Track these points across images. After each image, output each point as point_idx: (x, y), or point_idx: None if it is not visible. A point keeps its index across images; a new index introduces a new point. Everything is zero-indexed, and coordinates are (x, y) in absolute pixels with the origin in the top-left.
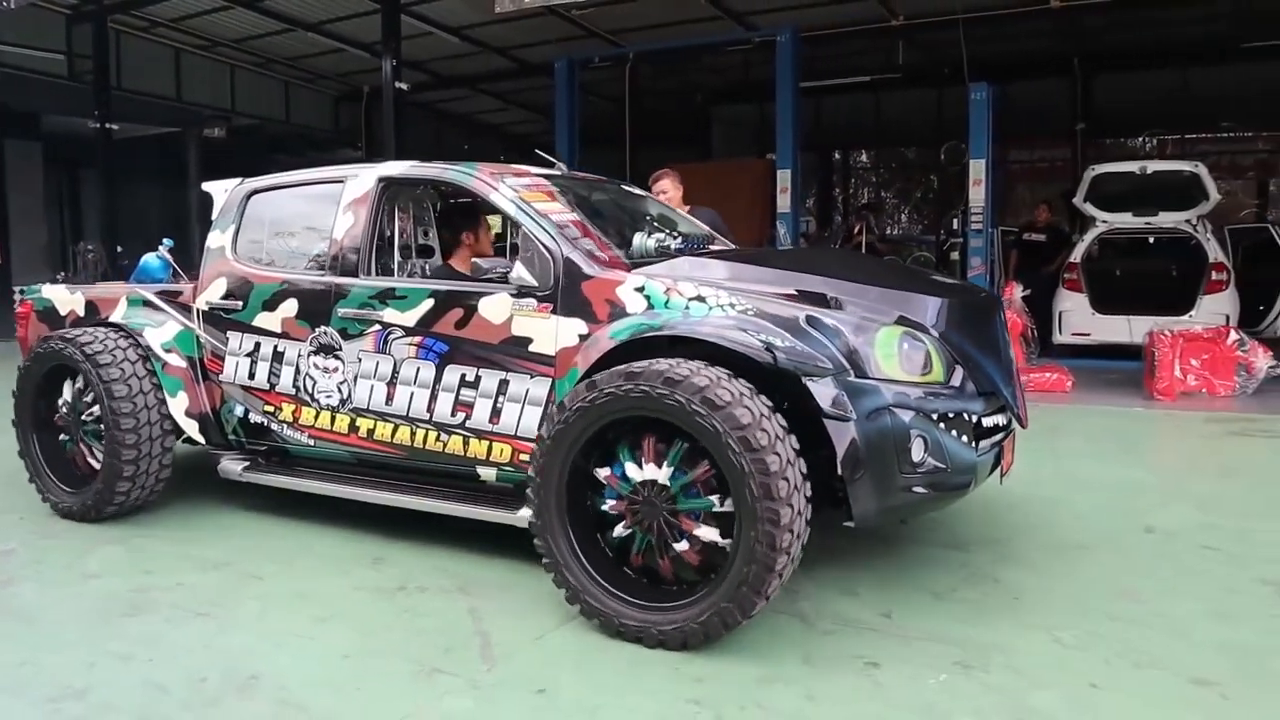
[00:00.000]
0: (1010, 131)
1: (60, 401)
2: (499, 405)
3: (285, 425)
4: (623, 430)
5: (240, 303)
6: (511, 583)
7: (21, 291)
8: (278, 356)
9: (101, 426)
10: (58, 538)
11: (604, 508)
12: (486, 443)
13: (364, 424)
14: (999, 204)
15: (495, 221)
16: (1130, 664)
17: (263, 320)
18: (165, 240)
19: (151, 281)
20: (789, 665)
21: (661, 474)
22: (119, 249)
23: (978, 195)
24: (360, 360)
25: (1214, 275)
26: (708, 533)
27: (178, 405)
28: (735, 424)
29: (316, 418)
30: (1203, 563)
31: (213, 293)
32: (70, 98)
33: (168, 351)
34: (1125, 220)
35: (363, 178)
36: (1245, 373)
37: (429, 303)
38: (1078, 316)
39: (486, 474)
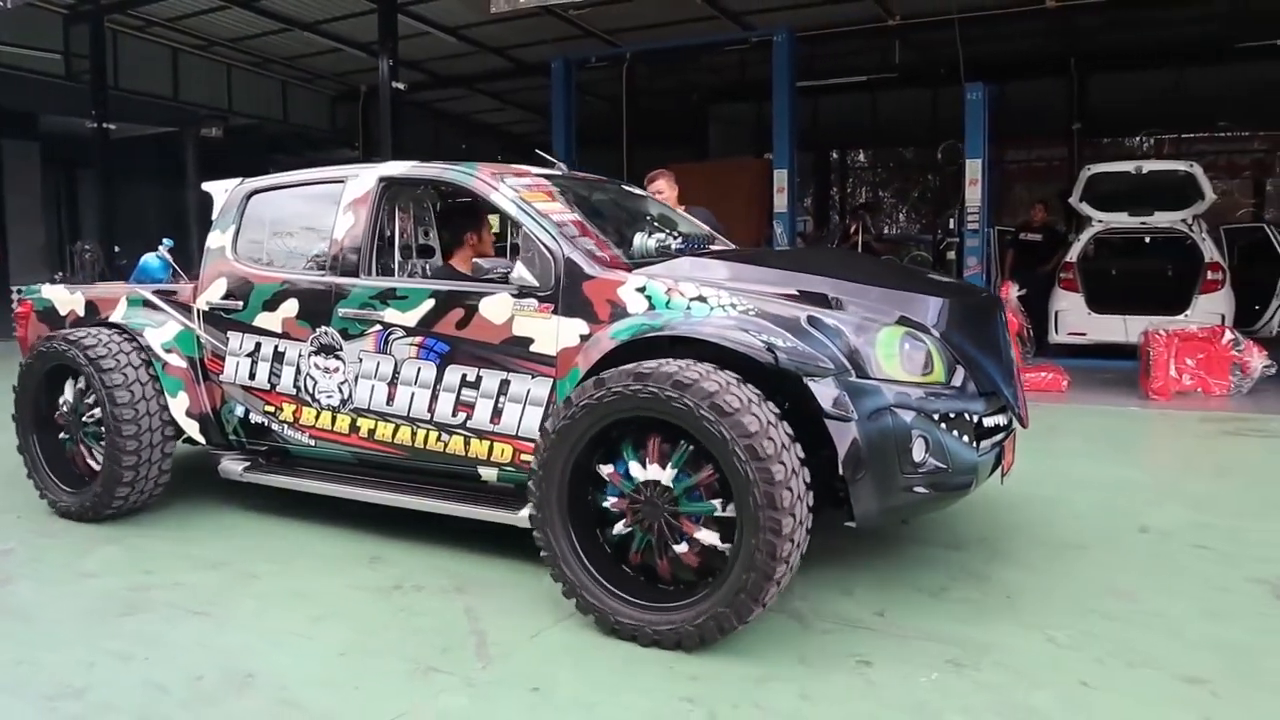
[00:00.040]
0: (1007, 131)
1: (61, 400)
2: (500, 405)
3: (286, 425)
4: (628, 428)
5: (241, 303)
6: (508, 582)
7: (20, 291)
8: (278, 357)
9: (102, 429)
10: (56, 537)
11: (605, 505)
12: (488, 443)
13: (365, 424)
14: (996, 204)
15: (494, 221)
16: (1123, 662)
17: (263, 320)
18: (165, 240)
19: (151, 282)
20: (783, 664)
21: (665, 475)
22: (116, 249)
23: (974, 195)
24: (361, 360)
25: (1209, 275)
26: (708, 536)
27: (178, 405)
28: (743, 431)
29: (317, 418)
30: (1196, 562)
31: (213, 293)
32: (67, 97)
33: (168, 352)
34: (1121, 220)
35: (363, 178)
36: (1240, 372)
37: (430, 303)
38: (1073, 316)
39: (488, 474)
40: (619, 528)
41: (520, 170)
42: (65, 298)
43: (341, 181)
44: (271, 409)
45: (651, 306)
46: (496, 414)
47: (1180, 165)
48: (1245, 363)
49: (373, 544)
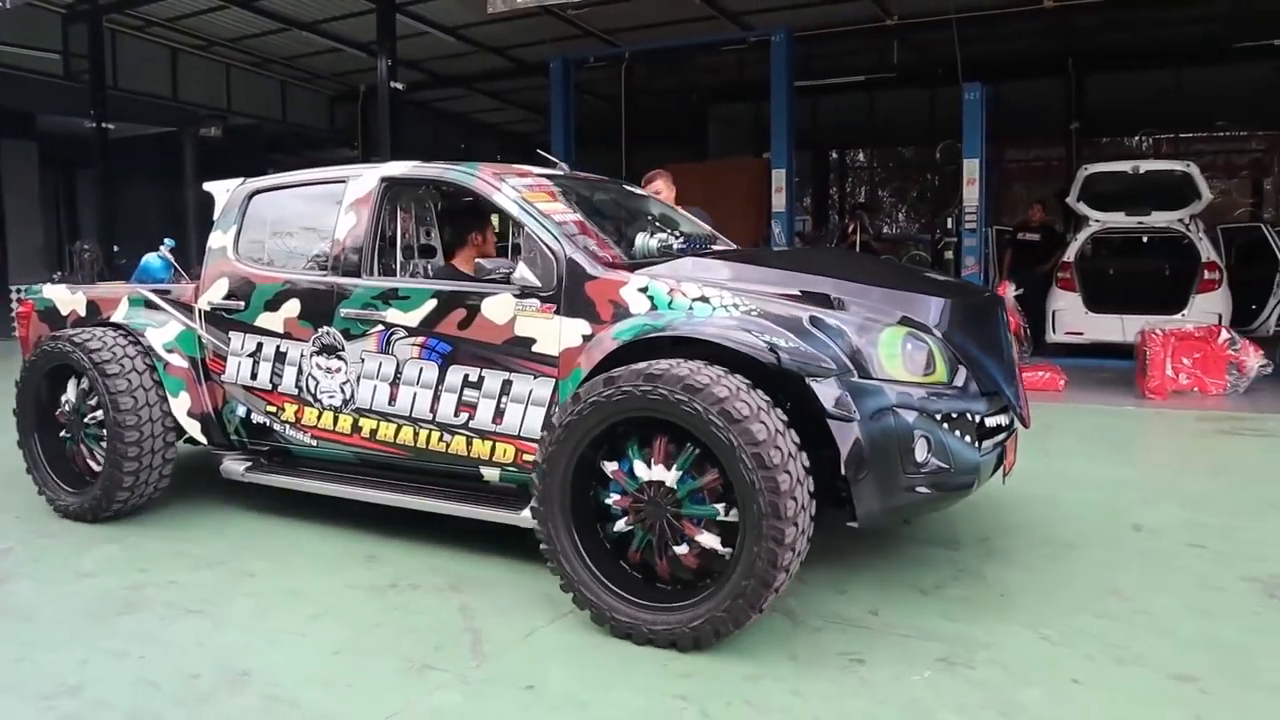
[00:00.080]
0: (1005, 131)
1: (63, 399)
2: (502, 406)
3: (288, 426)
4: (634, 427)
5: (242, 303)
6: (504, 581)
7: (20, 291)
8: (280, 357)
9: (103, 430)
10: (54, 536)
11: (607, 502)
12: (490, 443)
13: (367, 424)
14: (994, 203)
15: (495, 221)
16: (1113, 660)
17: (265, 320)
18: (167, 240)
19: (153, 282)
20: (776, 662)
21: (669, 476)
22: (115, 249)
23: (972, 194)
24: (363, 360)
25: (1206, 274)
26: (709, 539)
27: (180, 406)
28: (750, 439)
29: (319, 418)
30: (1190, 561)
31: (215, 293)
32: (66, 97)
33: (170, 352)
34: (1118, 219)
35: (365, 178)
36: (1236, 371)
37: (432, 303)
38: (1071, 315)
39: (489, 474)
40: (620, 525)
41: (522, 170)
42: (67, 298)
43: (343, 182)
44: (273, 409)
45: (654, 307)
46: (499, 414)
47: (1177, 165)
48: (1241, 362)
49: (370, 543)
